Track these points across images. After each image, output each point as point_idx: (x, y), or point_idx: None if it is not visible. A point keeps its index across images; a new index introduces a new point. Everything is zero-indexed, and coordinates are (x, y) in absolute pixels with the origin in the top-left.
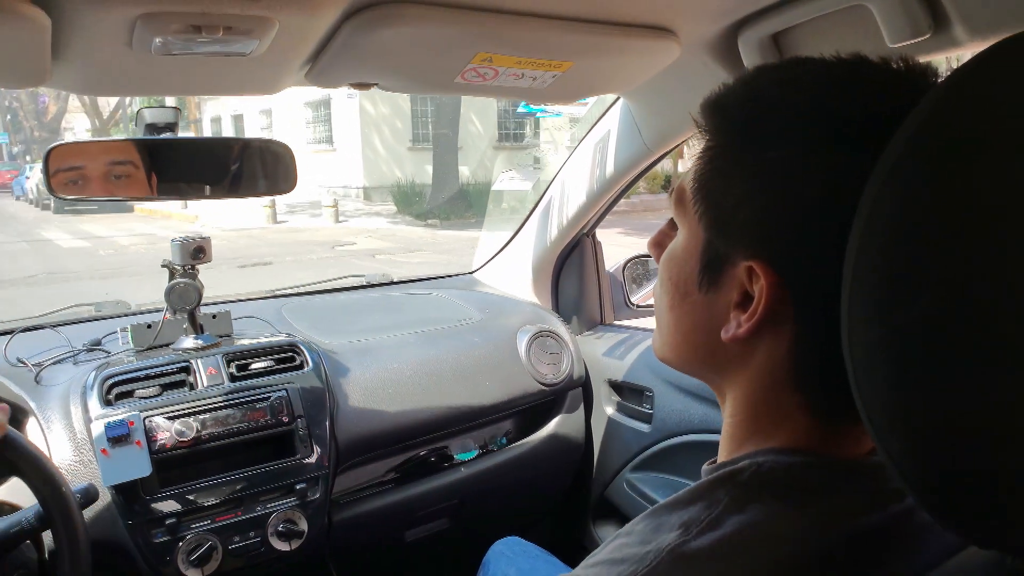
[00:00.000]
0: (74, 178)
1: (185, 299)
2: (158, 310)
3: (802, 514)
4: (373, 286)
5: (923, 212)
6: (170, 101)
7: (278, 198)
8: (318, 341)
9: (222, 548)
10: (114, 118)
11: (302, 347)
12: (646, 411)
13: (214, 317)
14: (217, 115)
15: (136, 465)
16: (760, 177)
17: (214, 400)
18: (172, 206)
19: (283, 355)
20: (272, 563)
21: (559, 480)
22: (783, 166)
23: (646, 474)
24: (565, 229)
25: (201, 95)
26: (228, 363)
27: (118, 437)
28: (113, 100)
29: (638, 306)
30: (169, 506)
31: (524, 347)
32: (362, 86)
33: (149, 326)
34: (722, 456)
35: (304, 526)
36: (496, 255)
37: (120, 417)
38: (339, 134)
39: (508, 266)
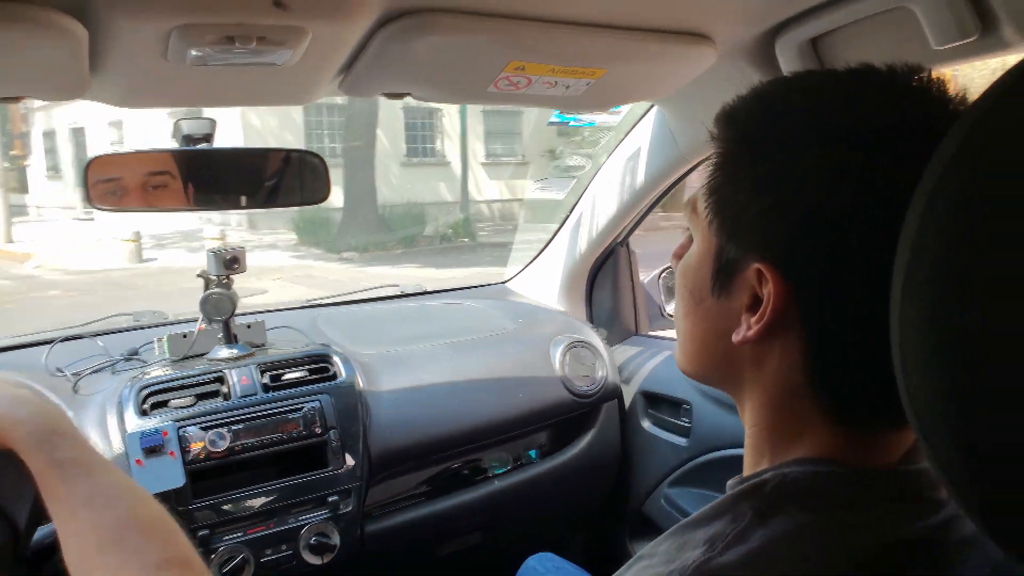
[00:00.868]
0: (112, 189)
1: (220, 309)
2: (194, 320)
3: (829, 526)
4: (407, 296)
5: (979, 214)
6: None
7: (143, 228)
8: (352, 351)
9: (254, 561)
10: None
11: (335, 357)
12: (684, 424)
13: (248, 327)
14: (51, 128)
15: (170, 476)
16: (764, 182)
17: (247, 411)
18: None
19: (316, 365)
20: None
21: (594, 494)
22: (785, 171)
23: (685, 489)
24: (598, 238)
25: (235, 106)
26: (262, 373)
27: (152, 448)
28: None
29: (673, 316)
30: (202, 517)
31: (558, 358)
32: (395, 96)
33: (185, 336)
34: (747, 469)
35: (336, 539)
36: (529, 264)
37: (155, 426)
38: None
39: (541, 276)
